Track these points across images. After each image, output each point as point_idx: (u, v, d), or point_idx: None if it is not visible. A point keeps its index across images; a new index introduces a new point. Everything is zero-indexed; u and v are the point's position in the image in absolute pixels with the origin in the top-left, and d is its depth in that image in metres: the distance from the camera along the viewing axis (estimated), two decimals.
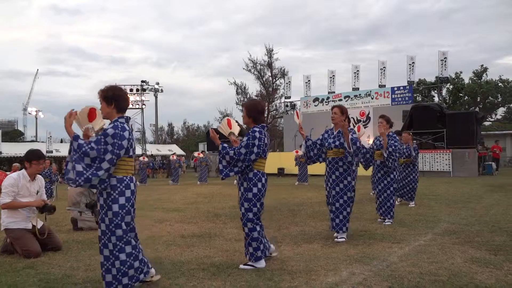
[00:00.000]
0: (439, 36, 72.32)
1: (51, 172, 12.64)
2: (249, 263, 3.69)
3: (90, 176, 2.87)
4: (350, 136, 4.65)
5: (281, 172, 19.86)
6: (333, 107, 4.96)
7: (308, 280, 3.30)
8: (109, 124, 3.11)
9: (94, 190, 6.03)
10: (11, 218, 4.52)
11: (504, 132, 30.52)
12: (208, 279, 3.40)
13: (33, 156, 4.58)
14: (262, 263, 3.68)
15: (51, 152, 29.74)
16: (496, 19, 70.94)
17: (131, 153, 3.10)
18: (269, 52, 38.83)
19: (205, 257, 4.17)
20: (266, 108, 40.72)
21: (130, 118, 3.20)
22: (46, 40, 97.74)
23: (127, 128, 3.08)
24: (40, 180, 4.74)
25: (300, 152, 14.57)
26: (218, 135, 3.86)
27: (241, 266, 3.70)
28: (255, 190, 3.69)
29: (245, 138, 3.71)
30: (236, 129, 4.49)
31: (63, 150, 32.94)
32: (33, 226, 4.60)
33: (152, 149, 33.44)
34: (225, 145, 3.73)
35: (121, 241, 2.98)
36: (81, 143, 2.91)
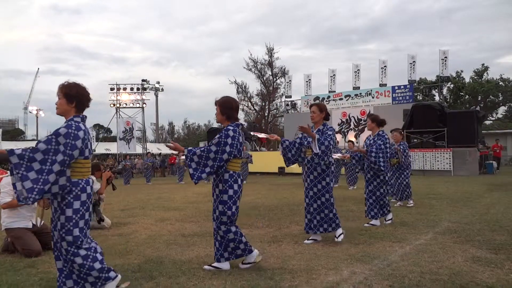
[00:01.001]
0: (439, 35, 72.34)
1: None
2: (214, 264, 3.64)
3: (41, 187, 2.63)
4: (317, 137, 4.47)
5: (281, 171, 19.87)
6: (311, 105, 4.81)
7: (308, 279, 3.30)
8: (64, 123, 2.89)
9: (95, 188, 6.05)
10: (12, 218, 4.54)
11: (505, 131, 30.49)
12: (209, 278, 3.40)
13: None
14: (253, 254, 3.63)
15: None
16: (496, 18, 70.88)
17: (86, 154, 2.89)
18: (270, 51, 38.87)
19: (206, 256, 4.17)
20: (267, 107, 40.79)
21: (86, 117, 3.01)
22: (47, 39, 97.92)
23: (83, 128, 2.87)
24: None
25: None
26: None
27: (205, 267, 3.65)
28: (230, 192, 3.53)
29: (217, 136, 3.56)
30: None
31: None
32: (34, 225, 4.61)
33: (153, 148, 33.42)
34: (191, 148, 3.57)
35: (72, 246, 2.80)
36: (20, 153, 2.64)
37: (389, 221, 5.76)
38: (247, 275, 3.44)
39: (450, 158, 17.14)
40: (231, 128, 3.57)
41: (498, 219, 5.87)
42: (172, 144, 3.67)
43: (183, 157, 3.56)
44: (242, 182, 3.66)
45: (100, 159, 29.33)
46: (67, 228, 2.79)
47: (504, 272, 3.38)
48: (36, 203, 4.54)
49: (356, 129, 24.14)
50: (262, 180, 17.31)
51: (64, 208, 2.80)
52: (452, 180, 13.92)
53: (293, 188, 12.40)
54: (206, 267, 3.66)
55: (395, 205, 7.63)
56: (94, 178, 6.23)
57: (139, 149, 31.38)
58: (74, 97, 2.92)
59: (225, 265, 3.64)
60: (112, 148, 32.67)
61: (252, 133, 5.18)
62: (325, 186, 4.55)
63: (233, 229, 3.56)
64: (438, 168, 17.36)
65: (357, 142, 21.52)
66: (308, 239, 4.70)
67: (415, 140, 18.74)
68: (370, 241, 4.68)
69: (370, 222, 5.66)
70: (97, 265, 2.87)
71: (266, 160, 21.27)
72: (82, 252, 2.83)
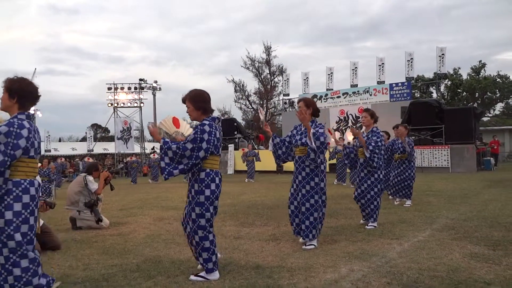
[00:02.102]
0: (437, 33, 72.16)
1: (49, 171, 12.63)
2: (201, 274, 3.33)
3: None
4: (312, 131, 4.20)
5: (280, 169, 19.86)
6: (298, 101, 4.59)
7: (307, 277, 3.31)
8: (6, 120, 2.73)
9: (93, 188, 6.04)
10: None
11: (502, 127, 30.57)
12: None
13: None
14: (215, 275, 3.30)
15: (50, 151, 29.68)
16: (494, 15, 70.82)
17: (32, 154, 2.73)
18: (267, 50, 38.84)
19: None
20: (264, 105, 40.78)
21: (32, 114, 2.83)
22: (45, 39, 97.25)
23: (27, 126, 2.69)
24: None
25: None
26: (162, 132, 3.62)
27: (192, 277, 3.32)
28: (207, 192, 3.24)
29: (192, 132, 3.31)
30: (185, 130, 4.13)
31: (62, 149, 32.93)
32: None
33: (151, 147, 33.38)
34: (167, 139, 3.34)
35: (15, 254, 2.60)
36: None
37: (371, 227, 5.29)
38: (245, 273, 3.44)
39: (448, 155, 17.17)
40: (207, 122, 3.30)
41: (496, 216, 5.88)
42: (151, 127, 3.50)
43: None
44: (220, 181, 3.38)
45: (98, 159, 29.30)
46: (7, 233, 2.59)
47: (502, 268, 3.39)
48: None
49: (354, 126, 24.16)
50: (260, 179, 17.31)
51: (3, 210, 2.61)
52: (450, 177, 13.96)
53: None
54: (192, 277, 3.34)
55: (395, 202, 7.60)
56: (91, 178, 6.23)
57: (137, 149, 31.35)
58: (15, 92, 2.75)
59: (214, 275, 3.32)
60: (110, 147, 32.61)
61: (259, 112, 4.98)
62: (314, 186, 4.30)
63: (211, 237, 3.29)
64: (436, 165, 17.40)
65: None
66: (306, 245, 4.31)
67: (413, 137, 18.76)
68: (368, 238, 4.69)
69: (367, 226, 5.36)
70: (35, 281, 2.69)
71: (265, 159, 21.25)
72: (24, 263, 2.64)
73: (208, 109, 3.43)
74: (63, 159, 25.01)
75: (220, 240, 4.88)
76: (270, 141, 4.63)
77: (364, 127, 5.74)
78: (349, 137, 21.36)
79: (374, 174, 5.39)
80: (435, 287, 2.98)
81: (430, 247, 4.16)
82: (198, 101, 3.41)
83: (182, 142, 3.24)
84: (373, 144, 5.31)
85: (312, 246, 4.27)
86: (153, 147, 27.99)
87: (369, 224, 5.35)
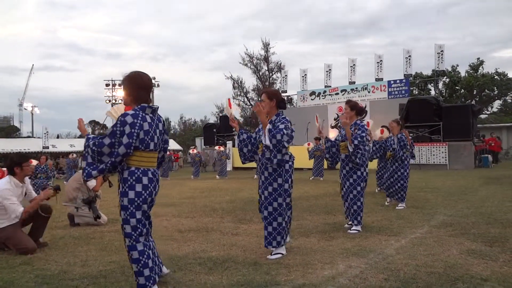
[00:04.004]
0: (436, 30, 72.34)
1: (47, 168, 12.60)
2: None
3: None
4: (269, 126, 3.74)
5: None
6: (261, 93, 4.15)
7: (304, 273, 3.31)
8: None
9: (91, 185, 6.03)
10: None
11: (500, 125, 30.62)
12: (205, 273, 3.40)
13: (22, 159, 4.55)
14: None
15: (48, 147, 29.59)
16: (493, 12, 70.93)
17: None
18: (266, 46, 38.76)
19: (202, 251, 4.18)
20: None
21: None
22: (42, 35, 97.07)
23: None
24: (26, 181, 4.70)
25: (312, 145, 14.47)
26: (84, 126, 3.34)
27: None
28: (131, 194, 2.79)
29: (112, 125, 2.88)
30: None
31: (60, 145, 32.81)
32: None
33: None
34: (90, 135, 2.88)
35: None
36: None
37: (354, 231, 4.89)
38: (243, 269, 3.45)
39: (445, 152, 17.20)
40: (131, 113, 2.80)
41: (493, 212, 5.91)
42: (79, 124, 3.24)
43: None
44: (151, 181, 2.92)
45: None
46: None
47: (499, 265, 3.40)
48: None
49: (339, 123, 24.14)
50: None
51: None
52: (447, 174, 13.99)
53: None
54: None
55: (386, 203, 7.14)
56: None
57: None
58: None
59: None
60: None
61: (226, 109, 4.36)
62: (277, 188, 3.82)
63: (140, 247, 2.83)
64: (433, 162, 17.43)
65: None
66: (271, 255, 3.86)
67: (411, 135, 18.78)
68: (365, 235, 4.70)
69: (350, 230, 4.96)
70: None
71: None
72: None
73: (140, 97, 2.92)
74: (74, 155, 24.94)
75: (218, 237, 4.89)
76: (236, 137, 4.34)
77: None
78: (331, 134, 21.31)
79: (357, 172, 4.99)
80: (432, 284, 2.99)
81: (427, 243, 4.18)
82: (133, 84, 2.94)
83: (99, 137, 2.84)
84: (358, 138, 4.88)
85: (279, 256, 3.84)
86: None
87: (352, 229, 4.94)
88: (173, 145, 35.54)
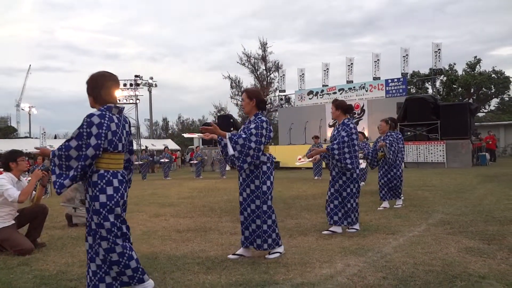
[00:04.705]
0: (433, 28, 72.39)
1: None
2: None
3: None
4: (228, 135, 3.60)
5: (276, 165, 19.91)
6: (241, 92, 4.07)
7: (303, 272, 3.32)
8: None
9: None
10: None
11: (497, 123, 30.71)
12: (204, 273, 3.40)
13: (16, 154, 4.55)
14: (146, 286, 2.80)
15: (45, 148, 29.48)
16: (490, 11, 71.10)
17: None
18: (263, 46, 38.75)
19: (201, 251, 4.18)
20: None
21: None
22: (39, 35, 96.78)
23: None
24: (22, 179, 4.67)
25: (303, 159, 14.46)
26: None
27: None
28: (102, 198, 2.69)
29: (78, 127, 2.74)
30: None
31: (57, 146, 32.60)
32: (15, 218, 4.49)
33: (147, 144, 33.30)
34: (54, 149, 2.76)
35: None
36: None
37: (353, 230, 4.84)
38: (241, 269, 3.45)
39: (443, 150, 17.24)
40: (97, 113, 2.70)
41: (491, 210, 5.92)
42: (38, 150, 3.07)
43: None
44: (122, 183, 2.81)
45: None
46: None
47: (496, 262, 3.41)
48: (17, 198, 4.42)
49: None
50: None
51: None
52: (445, 172, 14.02)
53: (288, 183, 12.43)
54: None
55: (378, 208, 6.59)
56: None
57: (134, 146, 31.20)
58: None
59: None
60: None
61: (185, 135, 4.01)
62: (254, 190, 3.67)
63: (119, 248, 2.72)
64: (431, 160, 17.46)
65: None
66: (231, 255, 3.82)
67: (409, 133, 18.83)
68: (364, 233, 4.71)
69: (330, 229, 4.82)
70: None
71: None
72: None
73: (100, 97, 2.79)
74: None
75: (216, 236, 4.89)
76: (218, 144, 3.83)
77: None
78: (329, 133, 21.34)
79: (346, 173, 4.77)
80: (430, 282, 3.00)
81: (425, 241, 4.19)
82: (92, 86, 2.81)
83: (65, 141, 2.74)
84: (336, 144, 4.65)
85: (235, 257, 3.74)
86: (145, 146, 27.90)
87: (349, 227, 4.86)
88: (172, 145, 35.52)
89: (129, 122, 3.01)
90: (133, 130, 33.86)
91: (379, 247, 4.03)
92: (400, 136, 6.89)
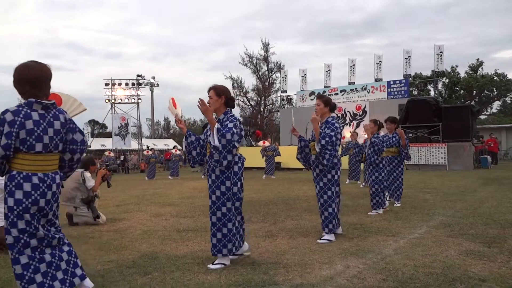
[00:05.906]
0: (435, 30, 72.40)
1: None
2: None
3: None
4: (217, 126, 3.45)
5: (277, 166, 19.88)
6: (208, 89, 3.72)
7: (302, 273, 3.31)
8: None
9: (89, 186, 6.03)
10: None
11: (499, 125, 30.67)
12: (203, 273, 3.40)
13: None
14: None
15: None
16: (492, 13, 70.95)
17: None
18: (265, 46, 38.78)
19: (201, 251, 4.18)
20: (262, 102, 40.63)
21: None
22: (42, 34, 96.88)
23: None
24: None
25: (267, 143, 14.44)
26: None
27: None
28: (10, 202, 2.47)
29: None
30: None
31: None
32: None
33: (148, 144, 33.35)
34: None
35: None
36: None
37: (324, 241, 4.42)
38: (241, 269, 3.45)
39: (445, 153, 17.21)
40: (12, 110, 2.46)
41: (491, 213, 5.91)
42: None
43: None
44: (44, 187, 2.55)
45: (95, 155, 29.23)
46: None
47: (497, 265, 3.40)
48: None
49: (353, 123, 24.18)
50: (257, 175, 17.30)
51: None
52: (446, 175, 14.00)
53: (289, 183, 12.43)
54: None
55: (379, 211, 6.24)
56: (89, 174, 6.21)
57: (134, 145, 31.28)
58: None
59: None
60: (107, 143, 32.54)
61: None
62: (225, 192, 3.55)
63: (24, 259, 2.48)
64: (433, 162, 17.44)
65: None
66: (212, 264, 3.58)
67: (410, 135, 18.81)
68: (364, 235, 4.70)
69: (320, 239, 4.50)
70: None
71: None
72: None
73: (24, 91, 2.55)
74: (111, 153, 24.84)
75: None
76: (184, 139, 3.79)
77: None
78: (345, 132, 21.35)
79: (327, 174, 4.53)
80: (430, 284, 2.99)
81: (425, 244, 4.18)
82: (15, 79, 2.57)
83: None
84: (326, 138, 4.41)
85: (220, 266, 3.53)
86: (147, 146, 27.91)
87: (321, 238, 4.47)
88: (173, 145, 35.57)
89: (68, 119, 2.71)
90: (134, 129, 34.01)
91: (379, 249, 4.02)
92: (386, 138, 6.79)
